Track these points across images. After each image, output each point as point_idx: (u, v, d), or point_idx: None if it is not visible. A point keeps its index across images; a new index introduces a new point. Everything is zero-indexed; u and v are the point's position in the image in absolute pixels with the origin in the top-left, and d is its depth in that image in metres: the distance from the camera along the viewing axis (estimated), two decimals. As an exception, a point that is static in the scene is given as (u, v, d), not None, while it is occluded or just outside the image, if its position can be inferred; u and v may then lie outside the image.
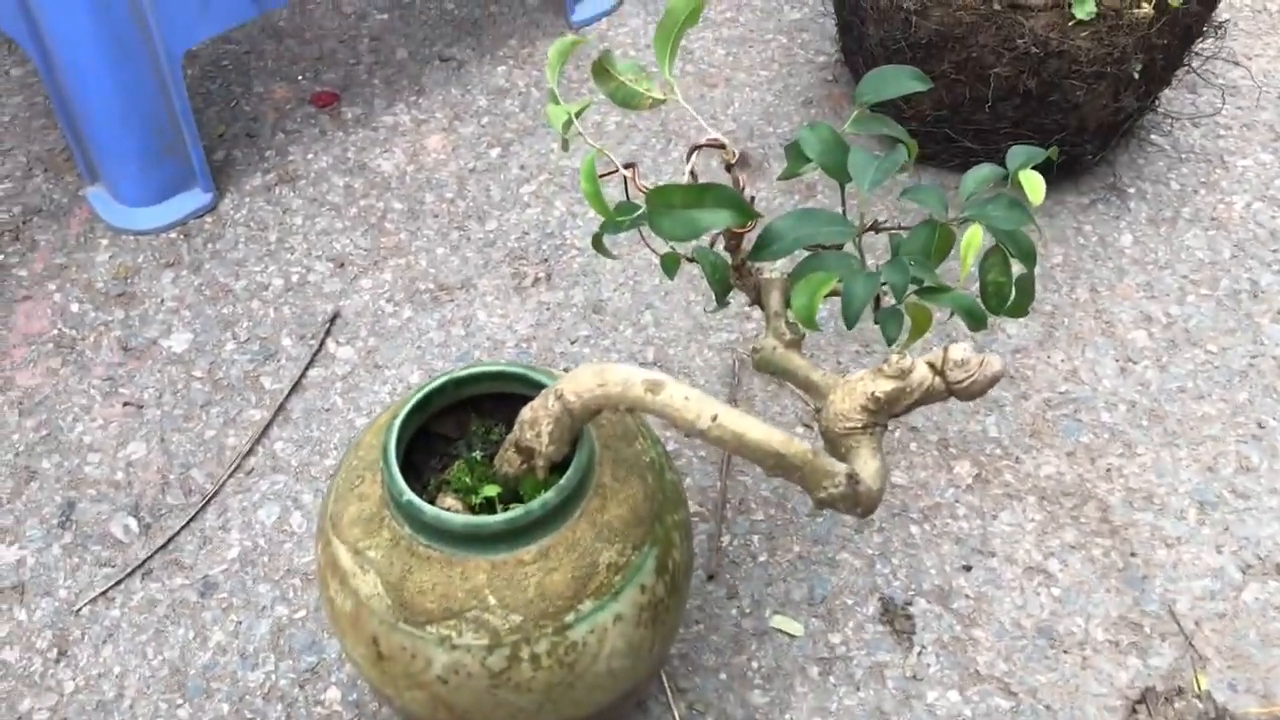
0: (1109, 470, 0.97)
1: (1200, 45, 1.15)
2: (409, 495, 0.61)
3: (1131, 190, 1.19)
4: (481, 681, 0.63)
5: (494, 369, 0.68)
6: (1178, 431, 1.00)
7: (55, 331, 1.08)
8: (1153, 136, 1.24)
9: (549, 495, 0.61)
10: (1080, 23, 1.01)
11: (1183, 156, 1.22)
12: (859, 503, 0.62)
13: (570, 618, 0.62)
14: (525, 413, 0.64)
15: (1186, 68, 1.17)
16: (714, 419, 0.58)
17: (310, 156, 1.23)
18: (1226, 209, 1.17)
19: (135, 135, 1.11)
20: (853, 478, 0.61)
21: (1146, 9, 1.01)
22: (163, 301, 1.10)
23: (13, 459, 0.98)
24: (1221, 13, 1.32)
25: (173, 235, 1.15)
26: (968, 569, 0.91)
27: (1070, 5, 1.01)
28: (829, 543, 0.92)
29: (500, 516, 0.61)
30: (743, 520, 0.94)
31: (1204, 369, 1.04)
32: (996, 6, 1.03)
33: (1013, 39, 1.03)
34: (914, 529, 0.93)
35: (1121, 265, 1.12)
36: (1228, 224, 1.16)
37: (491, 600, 0.61)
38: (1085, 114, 1.08)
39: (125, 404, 1.02)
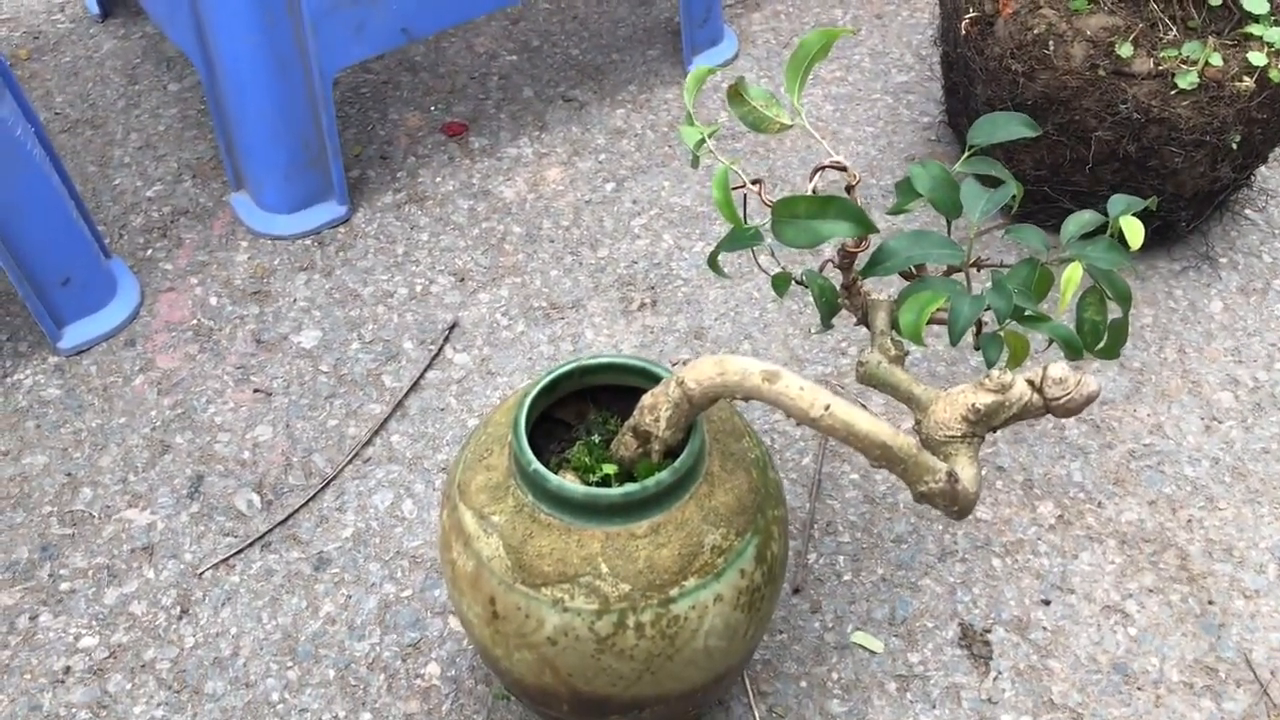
0: (1190, 521, 1.00)
1: (1299, 125, 1.19)
2: (535, 464, 0.67)
3: (1224, 260, 1.22)
4: (588, 645, 0.68)
5: (619, 360, 0.74)
6: (1260, 490, 1.02)
7: (195, 321, 1.16)
8: (1247, 211, 1.27)
9: (664, 474, 0.67)
10: (1182, 91, 1.06)
11: (1276, 231, 1.25)
12: (956, 501, 0.66)
13: (675, 592, 0.67)
14: (646, 399, 0.70)
15: (1284, 146, 1.21)
16: (827, 408, 0.63)
17: (438, 180, 1.31)
18: (1318, 284, 1.20)
19: (284, 147, 1.20)
20: (952, 475, 0.65)
21: (1249, 82, 1.06)
22: (295, 301, 1.18)
23: (149, 433, 1.06)
24: (1321, 99, 1.36)
25: (308, 242, 1.24)
26: (1047, 603, 0.94)
27: (1174, 75, 1.06)
28: (912, 568, 0.96)
29: (618, 490, 0.66)
30: (829, 540, 0.98)
31: (1289, 433, 1.07)
32: (1101, 73, 1.08)
33: (1115, 104, 1.08)
34: (996, 562, 0.97)
35: (1210, 330, 1.15)
36: (1319, 298, 1.19)
37: (604, 568, 0.67)
38: (1182, 181, 1.12)
39: (255, 390, 1.09)
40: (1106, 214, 0.75)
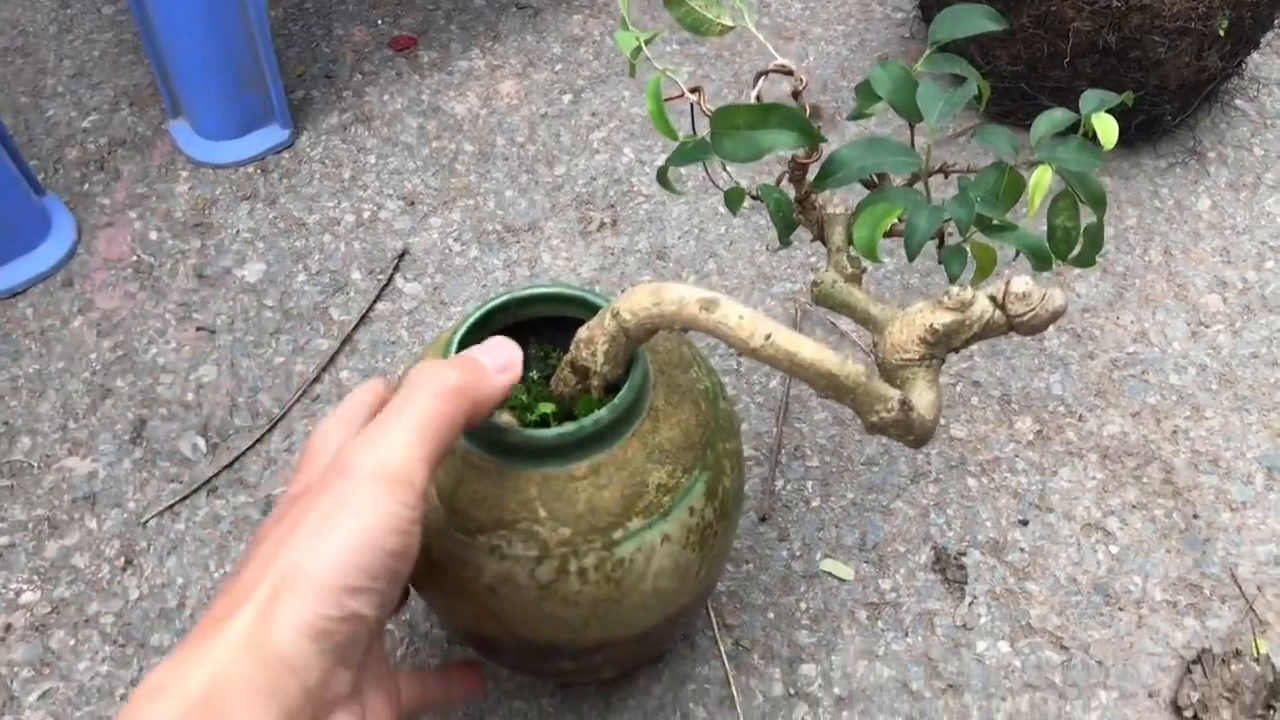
0: (1175, 432, 0.95)
1: (1292, 8, 1.12)
2: (562, 431, 0.61)
3: (1212, 155, 1.16)
4: (530, 593, 0.63)
5: (554, 290, 0.68)
6: (1249, 397, 0.98)
7: (134, 258, 1.11)
8: (1237, 101, 1.20)
9: (602, 412, 0.61)
10: (1166, -24, 0.99)
11: (1268, 122, 1.19)
12: (911, 430, 0.62)
13: (618, 535, 0.62)
14: (582, 332, 0.64)
15: (1276, 30, 1.14)
16: (767, 338, 0.58)
17: (386, 98, 1.24)
18: (1312, 177, 1.14)
19: (219, 72, 1.14)
20: (906, 404, 0.61)
21: (1236, -36, 0.99)
22: (238, 233, 1.12)
23: (89, 377, 1.02)
24: (1317, -22, 1.28)
25: (250, 170, 1.18)
26: (1024, 523, 0.90)
27: (1156, -42, 0.99)
28: (884, 491, 0.92)
29: (553, 430, 0.61)
30: (797, 465, 0.94)
31: (1278, 336, 1.02)
32: (1079, -42, 1.01)
33: (1095, -8, 1.01)
34: (971, 481, 0.93)
35: (1198, 230, 1.10)
36: (1312, 192, 1.13)
37: (542, 513, 0.61)
38: (1167, 72, 1.06)
39: (198, 329, 1.05)
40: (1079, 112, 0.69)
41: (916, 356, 0.62)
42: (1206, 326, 1.03)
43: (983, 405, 0.97)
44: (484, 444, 0.62)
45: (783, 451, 0.94)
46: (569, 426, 0.61)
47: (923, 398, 0.62)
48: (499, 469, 0.62)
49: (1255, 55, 1.19)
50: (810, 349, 0.58)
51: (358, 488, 0.46)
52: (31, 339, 1.05)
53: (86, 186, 1.17)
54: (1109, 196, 1.12)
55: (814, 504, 0.92)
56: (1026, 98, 1.13)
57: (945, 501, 0.91)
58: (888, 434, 0.62)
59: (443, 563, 0.64)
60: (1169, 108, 1.11)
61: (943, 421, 0.96)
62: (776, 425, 0.96)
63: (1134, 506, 0.91)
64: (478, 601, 0.64)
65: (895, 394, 0.60)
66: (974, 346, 1.01)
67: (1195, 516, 0.90)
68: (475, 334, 0.67)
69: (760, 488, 0.92)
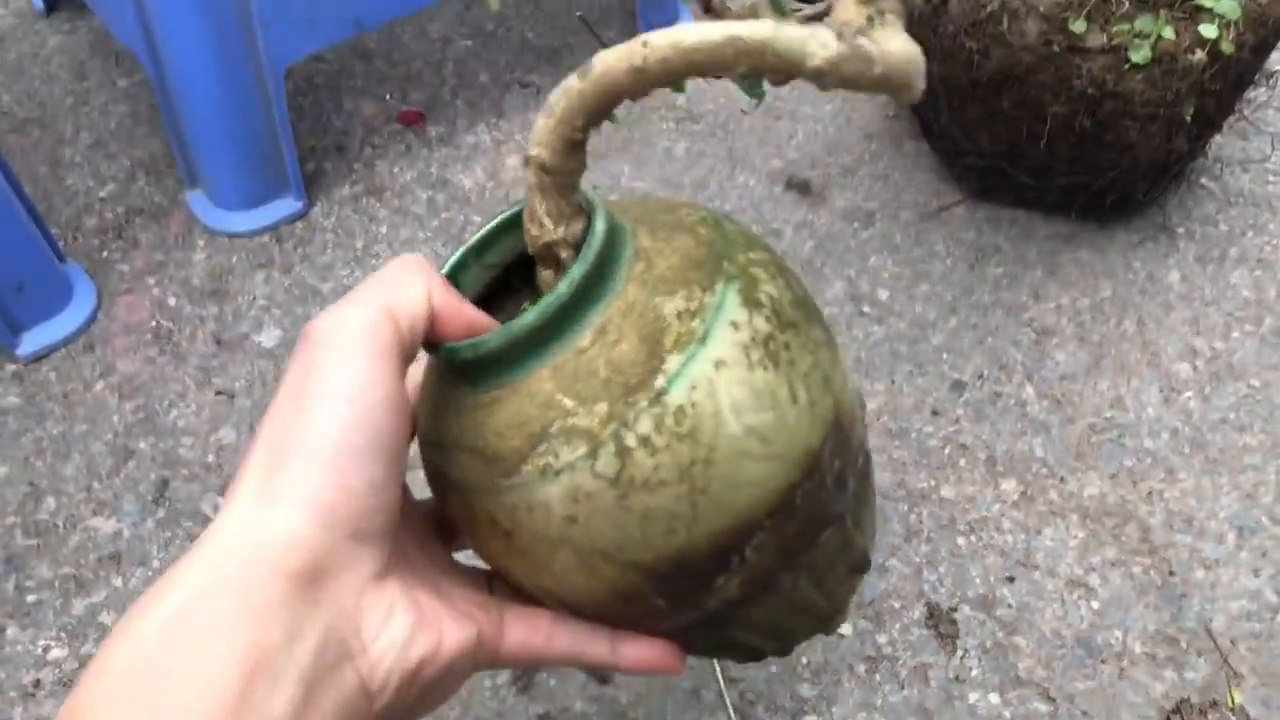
0: (1150, 493, 1.01)
1: (1252, 93, 1.20)
2: (446, 346, 0.48)
3: (1181, 230, 1.23)
4: (607, 498, 0.47)
5: (500, 219, 0.54)
6: (1219, 459, 1.03)
7: (154, 323, 1.15)
8: (1203, 180, 1.28)
9: (573, 269, 0.48)
10: (1136, 66, 1.06)
11: (1231, 200, 1.26)
12: (875, 65, 0.46)
13: (660, 381, 0.47)
14: (525, 213, 0.51)
15: (1238, 114, 1.21)
16: (643, 45, 0.45)
17: (396, 170, 1.30)
18: (1273, 251, 1.21)
19: (236, 144, 1.19)
20: (844, 32, 0.45)
21: (1200, 55, 1.06)
22: (254, 299, 1.17)
23: (112, 439, 1.05)
24: (1274, 63, 1.37)
25: (265, 239, 1.23)
26: (1011, 580, 0.95)
27: (1127, 49, 1.06)
28: (879, 549, 0.97)
29: (530, 315, 0.47)
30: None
31: (1246, 402, 1.08)
32: (1055, 48, 1.08)
33: (1070, 79, 1.08)
34: (960, 540, 0.98)
35: (1169, 301, 1.16)
36: (1274, 265, 1.20)
37: (568, 403, 0.48)
38: (1138, 154, 1.13)
39: (218, 392, 1.09)
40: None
41: (869, 17, 0.46)
42: (1178, 393, 1.09)
43: (970, 467, 1.03)
44: (475, 371, 0.50)
45: (782, 512, 0.99)
46: (544, 301, 0.48)
47: (893, 44, 0.47)
48: (507, 388, 0.49)
49: (1219, 137, 1.27)
50: (694, 32, 0.45)
51: (323, 349, 0.41)
52: (55, 402, 1.08)
53: (105, 254, 1.21)
54: (1086, 270, 1.19)
55: (812, 562, 0.96)
56: (1007, 176, 1.20)
57: (937, 559, 0.96)
58: (853, 85, 0.47)
59: (515, 526, 0.49)
60: (1140, 186, 1.18)
61: (932, 483, 1.01)
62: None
63: (1114, 564, 0.96)
64: (570, 547, 0.49)
65: (826, 30, 0.45)
66: (960, 411, 1.07)
67: (1171, 574, 0.96)
68: (472, 266, 0.54)
69: (761, 546, 0.97)
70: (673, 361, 0.47)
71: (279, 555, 0.38)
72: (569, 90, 0.47)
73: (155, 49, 1.13)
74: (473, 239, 0.52)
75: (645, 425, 0.47)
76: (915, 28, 1.22)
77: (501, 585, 0.52)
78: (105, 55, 1.44)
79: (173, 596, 0.37)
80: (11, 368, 1.11)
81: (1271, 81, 1.22)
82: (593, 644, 0.50)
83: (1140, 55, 1.06)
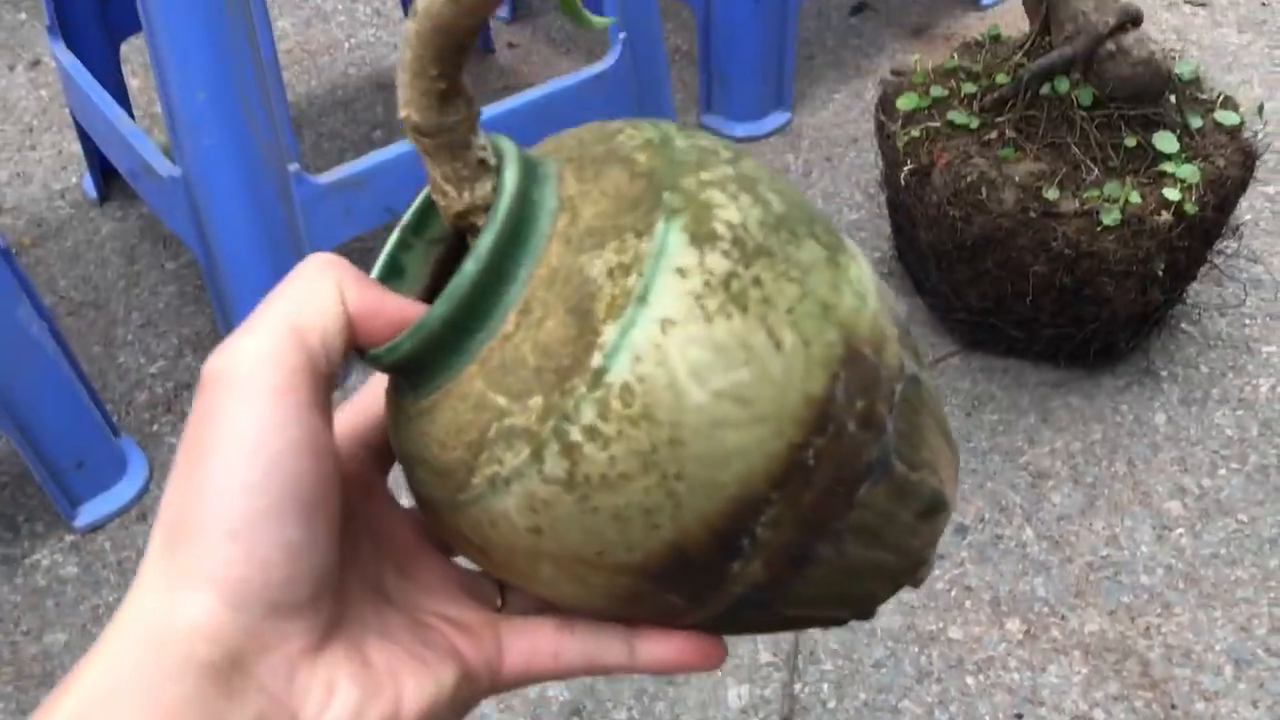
0: (1149, 628, 1.06)
1: (1221, 245, 1.29)
2: (371, 352, 0.40)
3: (1164, 373, 1.31)
4: (566, 503, 0.39)
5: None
6: (1213, 594, 1.09)
7: (202, 492, 1.22)
8: (1183, 325, 1.36)
9: (480, 241, 0.38)
10: (1107, 228, 1.15)
11: (1211, 343, 1.34)
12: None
13: (596, 359, 0.37)
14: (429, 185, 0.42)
15: (1210, 264, 1.30)
16: None
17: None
18: (1253, 391, 1.28)
19: (279, 321, 1.28)
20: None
21: (1166, 216, 1.15)
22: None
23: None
24: (1243, 214, 1.46)
25: (305, 408, 1.31)
26: (1019, 717, 1.00)
27: (1098, 213, 1.16)
28: (892, 691, 1.02)
29: (437, 305, 0.38)
30: (813, 670, 1.04)
31: (1235, 537, 1.14)
32: (1032, 214, 1.17)
33: (1048, 242, 1.17)
34: (969, 680, 1.03)
35: (1156, 441, 1.23)
36: (1254, 405, 1.27)
37: (500, 401, 0.39)
38: (1116, 307, 1.21)
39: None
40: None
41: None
42: (1170, 530, 1.15)
43: (975, 609, 1.08)
44: (411, 375, 0.41)
45: (799, 656, 1.05)
46: (451, 286, 0.39)
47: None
48: (441, 391, 0.41)
49: (1196, 284, 1.35)
50: None
51: (217, 393, 0.34)
52: (110, 570, 1.15)
53: (156, 427, 1.30)
54: (1076, 415, 1.26)
55: (830, 705, 1.01)
56: (996, 329, 1.28)
57: (947, 699, 1.01)
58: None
59: (479, 543, 0.42)
60: (1121, 335, 1.26)
61: (940, 624, 1.07)
62: (793, 631, 1.06)
63: (1116, 698, 1.01)
64: (545, 559, 0.41)
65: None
66: (964, 553, 1.13)
67: (1173, 707, 1.00)
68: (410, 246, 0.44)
69: (782, 691, 1.02)
70: (608, 332, 0.37)
71: (187, 647, 0.32)
72: (406, 36, 0.38)
73: (205, 237, 1.24)
74: (406, 214, 0.42)
75: (588, 414, 0.37)
76: (903, 196, 1.32)
77: (517, 592, 0.44)
78: (154, 240, 1.55)
79: (67, 705, 0.32)
80: (70, 538, 1.18)
81: (1238, 233, 1.31)
82: (608, 649, 0.41)
83: (1111, 218, 1.15)
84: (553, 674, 0.42)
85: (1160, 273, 1.19)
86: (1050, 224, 1.17)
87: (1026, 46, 1.27)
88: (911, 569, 0.44)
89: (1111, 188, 1.17)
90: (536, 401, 0.37)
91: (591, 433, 0.37)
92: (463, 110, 0.37)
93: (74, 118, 1.54)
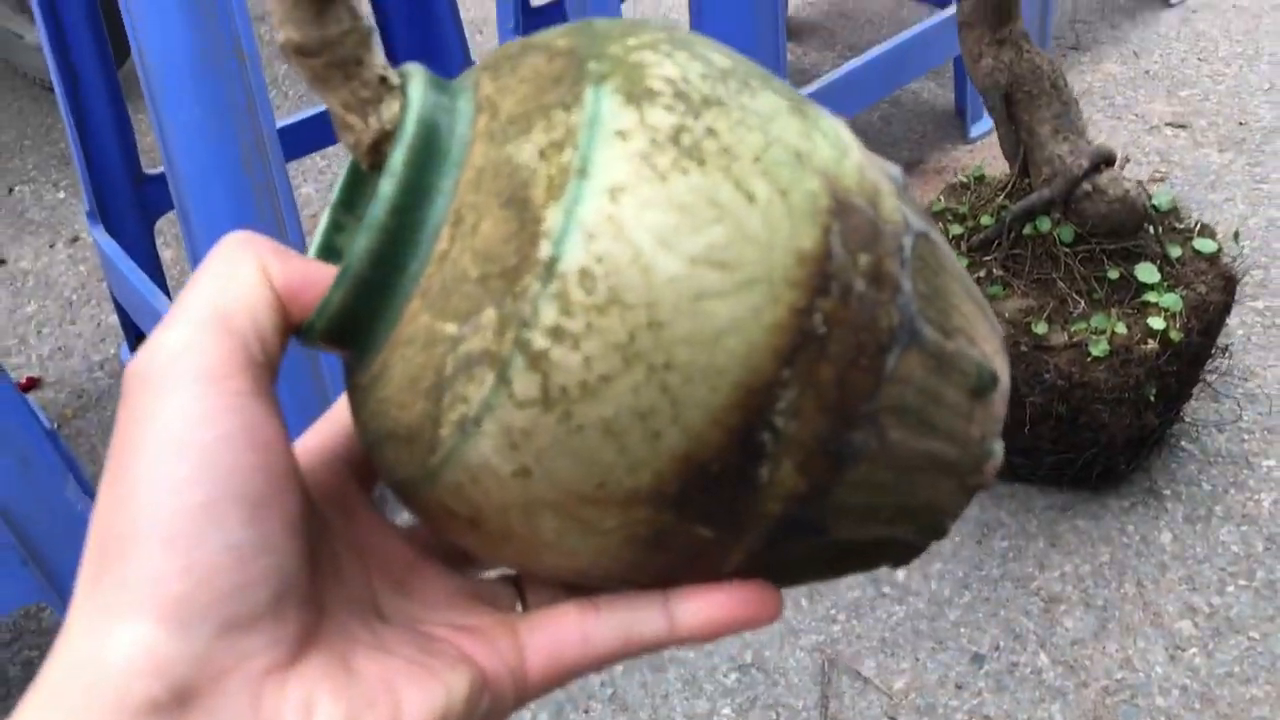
0: (1168, 751, 1.08)
1: (1213, 364, 1.34)
2: (305, 323, 0.33)
3: (1167, 492, 1.34)
4: (548, 426, 0.31)
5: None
6: (1229, 714, 1.11)
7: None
8: (1182, 443, 1.40)
9: (392, 156, 0.32)
10: (1096, 358, 1.21)
11: (1211, 460, 1.38)
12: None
13: (545, 248, 0.30)
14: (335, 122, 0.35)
15: (1203, 383, 1.35)
16: None
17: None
18: (1256, 506, 1.32)
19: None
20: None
21: (1153, 344, 1.21)
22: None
23: None
24: (1234, 329, 1.51)
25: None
26: None
27: (1087, 344, 1.21)
28: None
29: (358, 239, 0.32)
30: (839, 807, 1.06)
31: (1249, 654, 1.16)
32: (1024, 348, 1.23)
33: (1041, 373, 1.22)
34: (993, 811, 1.05)
35: (1164, 561, 1.26)
36: (1258, 520, 1.30)
37: (450, 328, 0.32)
38: (1113, 432, 1.25)
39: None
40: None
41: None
42: (1183, 650, 1.17)
43: (995, 738, 1.11)
44: (352, 340, 0.34)
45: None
46: (370, 209, 0.32)
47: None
48: (387, 346, 0.34)
49: (1192, 403, 1.40)
50: None
51: (140, 392, 0.29)
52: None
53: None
54: (1084, 537, 1.30)
55: (856, 843, 1.03)
56: (999, 457, 1.32)
57: (972, 832, 1.03)
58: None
59: (468, 512, 0.34)
60: (1121, 458, 1.30)
61: (962, 756, 1.09)
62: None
63: (1141, 825, 1.03)
64: (543, 509, 0.33)
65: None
66: (981, 683, 1.15)
67: (1196, 830, 1.02)
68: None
69: (807, 831, 1.04)
70: (552, 216, 0.32)
71: (123, 688, 0.27)
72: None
73: (239, 408, 1.30)
74: (335, 191, 0.37)
75: (549, 313, 0.31)
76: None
77: (536, 587, 0.38)
78: (188, 405, 1.62)
79: None
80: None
81: (1228, 351, 1.36)
82: (642, 619, 0.34)
83: (1099, 349, 1.20)
84: (585, 663, 0.35)
85: (1152, 398, 1.24)
86: (1042, 357, 1.22)
87: (1008, 189, 1.34)
88: (974, 463, 0.37)
89: (1098, 320, 1.23)
90: (489, 316, 0.31)
91: (557, 333, 0.30)
92: (346, 20, 0.32)
93: (111, 293, 1.63)
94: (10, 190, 2.11)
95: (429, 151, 0.32)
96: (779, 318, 0.30)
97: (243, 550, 0.28)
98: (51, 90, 2.28)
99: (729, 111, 0.32)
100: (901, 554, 0.37)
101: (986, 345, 0.36)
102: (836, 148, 0.33)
